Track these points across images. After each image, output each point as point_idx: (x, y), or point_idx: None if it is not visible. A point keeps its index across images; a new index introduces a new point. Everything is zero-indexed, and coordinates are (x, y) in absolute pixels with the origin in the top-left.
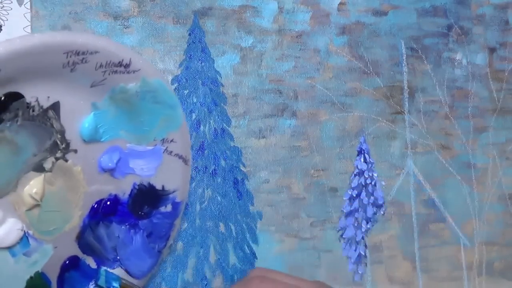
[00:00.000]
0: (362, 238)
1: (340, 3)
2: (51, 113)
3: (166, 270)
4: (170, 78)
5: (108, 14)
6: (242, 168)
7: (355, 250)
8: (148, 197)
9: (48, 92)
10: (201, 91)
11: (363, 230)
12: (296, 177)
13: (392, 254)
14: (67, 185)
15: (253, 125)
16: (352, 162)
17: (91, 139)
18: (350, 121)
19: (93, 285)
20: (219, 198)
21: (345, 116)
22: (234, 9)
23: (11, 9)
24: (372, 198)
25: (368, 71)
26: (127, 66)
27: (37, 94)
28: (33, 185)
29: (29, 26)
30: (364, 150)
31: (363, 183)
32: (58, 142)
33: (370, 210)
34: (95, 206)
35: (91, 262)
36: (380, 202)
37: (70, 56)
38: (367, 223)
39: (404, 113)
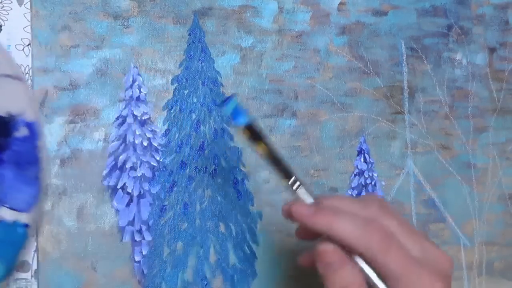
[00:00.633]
0: None
1: (340, 3)
2: None
3: (166, 270)
4: (170, 78)
5: (108, 14)
6: (242, 168)
7: None
8: None
9: None
10: (201, 91)
11: None
12: None
13: None
14: None
15: None
16: (352, 162)
17: None
18: (350, 121)
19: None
20: (219, 198)
21: (345, 116)
22: (234, 9)
23: (11, 9)
24: None
25: (368, 71)
26: None
27: None
28: None
29: (29, 26)
30: (364, 150)
31: (363, 183)
32: None
33: None
34: None
35: None
36: None
37: None
38: None
39: (404, 113)
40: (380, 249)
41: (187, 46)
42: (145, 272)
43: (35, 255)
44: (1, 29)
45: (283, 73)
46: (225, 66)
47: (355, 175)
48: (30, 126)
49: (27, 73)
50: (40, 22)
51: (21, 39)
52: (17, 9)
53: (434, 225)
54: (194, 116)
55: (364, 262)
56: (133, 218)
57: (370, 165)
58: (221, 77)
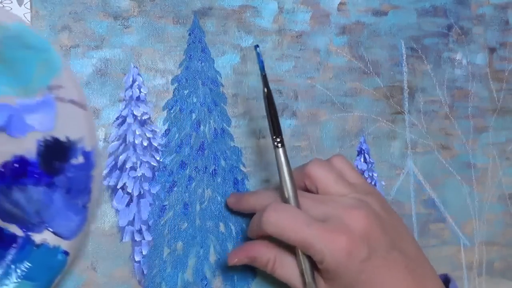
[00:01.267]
0: None
1: (340, 3)
2: None
3: (166, 270)
4: (170, 78)
5: (108, 14)
6: (242, 168)
7: None
8: (55, 152)
9: None
10: (201, 91)
11: None
12: None
13: None
14: None
15: (253, 125)
16: (352, 162)
17: None
18: (350, 121)
19: (30, 247)
20: (219, 198)
21: (345, 116)
22: (234, 9)
23: (11, 9)
24: None
25: (368, 71)
26: None
27: None
28: None
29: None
30: (364, 150)
31: None
32: None
33: None
34: (2, 170)
35: (15, 230)
36: None
37: None
38: None
39: (404, 113)
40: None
41: (187, 46)
42: (145, 272)
43: None
44: None
45: (283, 73)
46: (225, 66)
47: None
48: (87, 154)
49: None
50: (40, 22)
51: None
52: (17, 9)
53: (434, 225)
54: (194, 116)
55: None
56: (133, 218)
57: (370, 165)
58: (221, 77)
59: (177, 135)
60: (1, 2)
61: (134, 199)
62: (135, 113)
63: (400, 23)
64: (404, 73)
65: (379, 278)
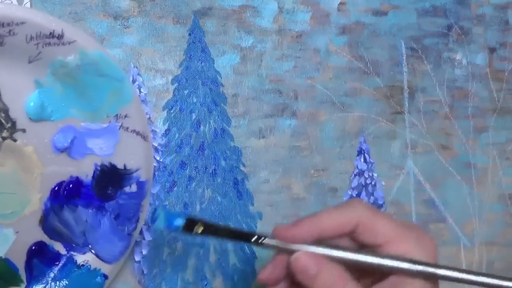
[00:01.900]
0: None
1: (340, 3)
2: None
3: (166, 270)
4: (170, 78)
5: (108, 14)
6: (242, 168)
7: None
8: (111, 178)
9: None
10: (201, 91)
11: None
12: (296, 177)
13: None
14: (20, 166)
15: (253, 125)
16: (352, 162)
17: (39, 117)
18: (350, 121)
19: (72, 268)
20: (219, 198)
21: (345, 116)
22: (234, 9)
23: None
24: (372, 198)
25: (368, 71)
26: (60, 37)
27: None
28: None
29: None
30: (364, 150)
31: (363, 183)
32: (3, 121)
33: None
34: (56, 188)
35: (60, 248)
36: (380, 202)
37: None
38: None
39: (404, 113)
40: (369, 215)
41: (187, 46)
42: (145, 272)
43: None
44: None
45: (283, 73)
46: (225, 66)
47: (355, 175)
48: (141, 184)
49: None
50: None
51: None
52: None
53: (434, 225)
54: (194, 116)
55: (338, 250)
56: None
57: (370, 165)
58: (221, 77)
59: (177, 135)
60: (1, 2)
61: None
62: None
63: (400, 23)
64: (404, 73)
65: None
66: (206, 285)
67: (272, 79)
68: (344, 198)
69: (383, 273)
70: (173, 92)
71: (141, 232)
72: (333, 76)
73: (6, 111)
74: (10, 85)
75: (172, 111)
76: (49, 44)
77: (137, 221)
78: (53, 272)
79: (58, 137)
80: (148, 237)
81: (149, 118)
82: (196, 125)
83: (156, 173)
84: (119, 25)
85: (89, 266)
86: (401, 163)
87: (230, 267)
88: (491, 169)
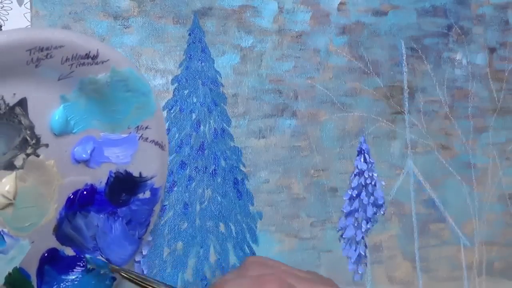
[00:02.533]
0: (362, 238)
1: (340, 3)
2: (18, 110)
3: (166, 270)
4: (170, 78)
5: (108, 14)
6: (242, 168)
7: (355, 250)
8: (125, 185)
9: (14, 89)
10: (201, 91)
11: (363, 230)
12: (296, 177)
13: (392, 254)
14: (40, 180)
15: (253, 125)
16: (352, 162)
17: (62, 132)
18: (350, 121)
19: (81, 271)
20: (219, 198)
21: (345, 116)
22: (234, 9)
23: (11, 9)
24: (372, 198)
25: (368, 71)
26: (94, 57)
27: (1, 92)
28: (5, 184)
29: (29, 26)
30: (364, 150)
31: (363, 183)
32: (28, 138)
33: (370, 210)
34: (71, 197)
35: (70, 253)
36: (380, 202)
37: (34, 53)
38: (367, 223)
39: (404, 113)
40: None
41: (187, 46)
42: (145, 272)
43: None
44: (1, 29)
45: (283, 73)
46: (225, 66)
47: (355, 175)
48: (154, 191)
49: None
50: (40, 22)
51: None
52: (17, 9)
53: (434, 225)
54: (194, 116)
55: None
56: None
57: (370, 165)
58: (221, 77)
59: (177, 135)
60: (1, 2)
61: None
62: None
63: (400, 23)
64: (404, 73)
65: None
66: (206, 285)
67: (272, 79)
68: (344, 198)
69: None
70: (173, 92)
71: None
72: (333, 76)
73: (32, 128)
74: (37, 102)
75: (172, 111)
76: (83, 64)
77: (148, 225)
78: (64, 277)
79: (78, 150)
80: (148, 237)
81: None
82: (196, 125)
83: None
84: (119, 25)
85: (99, 270)
86: (401, 163)
87: (230, 267)
88: (491, 169)
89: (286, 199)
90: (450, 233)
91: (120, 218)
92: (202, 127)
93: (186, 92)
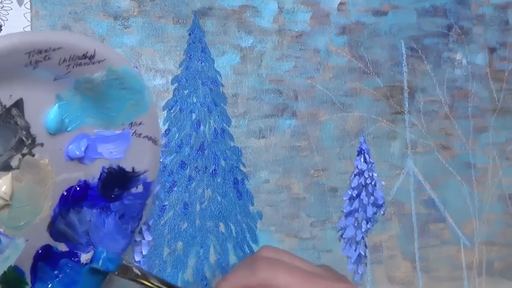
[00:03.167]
0: (362, 238)
1: (340, 3)
2: (14, 111)
3: (166, 270)
4: (170, 78)
5: (108, 14)
6: (242, 168)
7: (355, 250)
8: (118, 180)
9: (10, 91)
10: (201, 91)
11: (363, 230)
12: (296, 177)
13: (392, 254)
14: (35, 179)
15: (253, 125)
16: (352, 162)
17: (57, 130)
18: (350, 121)
19: (75, 266)
20: (219, 198)
21: (345, 116)
22: (234, 9)
23: (11, 9)
24: (372, 198)
25: (368, 71)
26: (91, 57)
27: None
28: (1, 185)
29: (29, 26)
30: (364, 150)
31: (363, 183)
32: (24, 139)
33: (370, 210)
34: (65, 194)
35: (63, 248)
36: (380, 202)
37: (32, 56)
38: (367, 223)
39: (404, 113)
40: (268, 274)
41: (187, 46)
42: None
43: None
44: (1, 29)
45: (283, 73)
46: (225, 66)
47: (355, 175)
48: (147, 185)
49: None
50: (40, 22)
51: None
52: (17, 9)
53: (434, 225)
54: (194, 116)
55: None
56: None
57: (370, 165)
58: (221, 77)
59: (177, 135)
60: (1, 2)
61: None
62: None
63: (400, 23)
64: (404, 73)
65: None
66: (206, 285)
67: (272, 79)
68: (344, 198)
69: None
70: (173, 92)
71: (141, 232)
72: (333, 76)
73: (27, 128)
74: (33, 102)
75: (172, 111)
76: (80, 64)
77: (141, 219)
78: (57, 273)
79: (72, 147)
80: (148, 237)
81: None
82: (196, 125)
83: None
84: (119, 25)
85: (93, 264)
86: (401, 163)
87: (230, 267)
88: (491, 169)
89: (286, 199)
90: (450, 233)
91: (113, 213)
92: (202, 127)
93: (186, 92)
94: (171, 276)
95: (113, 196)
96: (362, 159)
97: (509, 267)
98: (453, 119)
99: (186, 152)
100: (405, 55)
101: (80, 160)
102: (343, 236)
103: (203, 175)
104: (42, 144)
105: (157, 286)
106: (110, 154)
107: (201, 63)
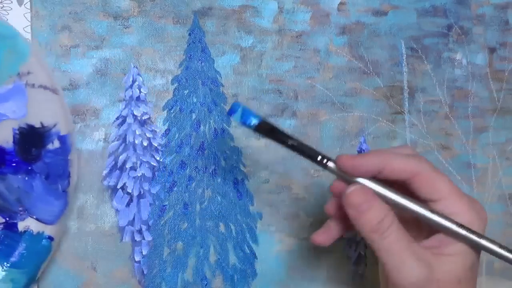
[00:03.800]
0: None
1: (340, 3)
2: None
3: (166, 270)
4: (170, 78)
5: (108, 14)
6: (242, 168)
7: (355, 250)
8: (31, 139)
9: None
10: (201, 91)
11: None
12: (296, 177)
13: None
14: None
15: None
16: None
17: None
18: (350, 121)
19: (14, 235)
20: (219, 198)
21: (345, 116)
22: (234, 9)
23: (11, 9)
24: None
25: (368, 71)
26: None
27: None
28: None
29: (29, 26)
30: (364, 150)
31: None
32: None
33: None
34: None
35: None
36: None
37: None
38: None
39: (404, 113)
40: (431, 169)
41: (187, 46)
42: (145, 272)
43: None
44: None
45: (283, 73)
46: (225, 66)
47: None
48: (62, 139)
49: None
50: (40, 22)
51: None
52: (17, 9)
53: None
54: (194, 116)
55: (395, 194)
56: (133, 218)
57: None
58: (221, 77)
59: (177, 135)
60: (1, 2)
61: (134, 199)
62: (135, 113)
63: (400, 23)
64: (404, 73)
65: None
66: (206, 285)
67: (272, 79)
68: None
69: (430, 230)
70: (173, 92)
71: (141, 232)
72: (333, 76)
73: None
74: None
75: (172, 111)
76: None
77: (69, 176)
78: None
79: None
80: (148, 237)
81: (149, 118)
82: (196, 125)
83: (156, 173)
84: (119, 25)
85: (31, 231)
86: None
87: (230, 267)
88: (491, 169)
89: (286, 199)
90: None
91: (37, 174)
92: (202, 127)
93: (186, 92)
94: (171, 276)
95: (32, 156)
96: None
97: (509, 267)
98: (453, 119)
99: (186, 152)
100: (405, 55)
101: None
102: (343, 236)
103: (203, 175)
104: None
105: (299, 147)
106: (13, 113)
107: (201, 63)
